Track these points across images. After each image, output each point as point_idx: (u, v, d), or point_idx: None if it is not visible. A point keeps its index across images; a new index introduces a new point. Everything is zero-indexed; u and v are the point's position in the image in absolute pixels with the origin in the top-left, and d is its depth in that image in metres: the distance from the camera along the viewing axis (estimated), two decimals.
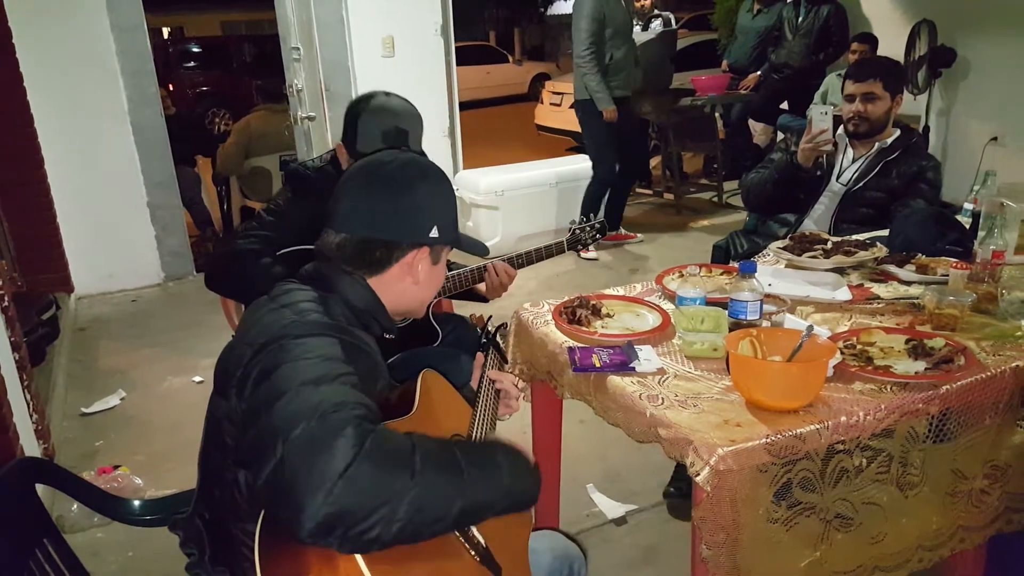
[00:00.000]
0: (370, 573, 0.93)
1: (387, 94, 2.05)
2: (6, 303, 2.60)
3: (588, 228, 2.22)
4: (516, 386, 1.55)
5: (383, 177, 1.24)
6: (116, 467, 2.59)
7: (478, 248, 1.50)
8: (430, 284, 1.29)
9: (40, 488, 1.34)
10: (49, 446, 2.68)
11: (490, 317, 1.68)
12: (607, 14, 4.40)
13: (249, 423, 0.99)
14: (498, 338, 1.67)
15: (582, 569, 1.47)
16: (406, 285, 1.25)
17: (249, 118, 5.25)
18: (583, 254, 4.76)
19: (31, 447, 2.43)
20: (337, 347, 1.05)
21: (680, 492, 2.35)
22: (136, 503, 1.48)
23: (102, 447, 2.91)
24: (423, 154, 2.01)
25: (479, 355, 1.58)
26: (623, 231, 5.14)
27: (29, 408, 2.53)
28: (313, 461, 0.88)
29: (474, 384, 1.55)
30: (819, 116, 2.59)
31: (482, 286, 2.16)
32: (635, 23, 6.71)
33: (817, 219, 2.73)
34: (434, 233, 1.24)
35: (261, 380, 1.01)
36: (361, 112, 1.98)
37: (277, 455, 0.90)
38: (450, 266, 2.16)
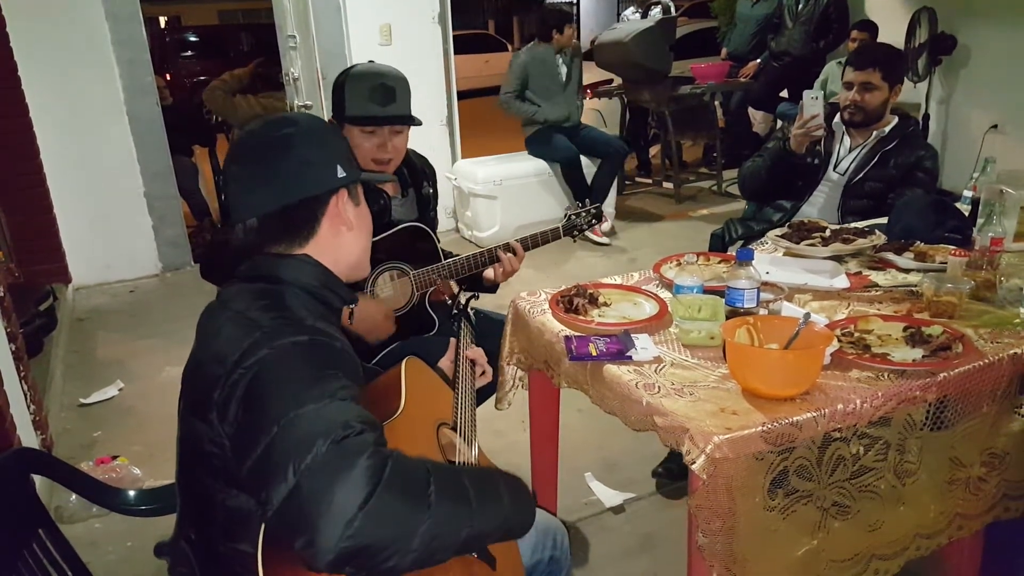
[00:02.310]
0: None
1: (371, 61, 2.04)
2: (3, 294, 2.60)
3: (584, 214, 2.20)
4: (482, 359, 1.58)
5: (257, 146, 1.17)
6: (115, 457, 2.60)
7: (381, 177, 1.48)
8: (364, 226, 1.24)
9: (38, 479, 1.34)
10: (47, 437, 2.68)
11: (460, 290, 1.68)
12: (530, 74, 4.98)
13: (245, 449, 0.95)
14: (468, 310, 1.67)
15: (564, 540, 1.48)
16: (342, 236, 1.20)
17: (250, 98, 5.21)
18: (596, 237, 4.85)
19: (29, 438, 2.43)
20: (317, 355, 1.01)
21: (671, 473, 2.35)
22: (132, 493, 1.48)
23: (100, 438, 2.91)
24: (411, 118, 1.98)
25: (452, 340, 1.58)
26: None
27: (27, 399, 2.53)
28: (331, 491, 0.86)
29: (443, 365, 1.55)
30: (810, 101, 2.57)
31: (491, 272, 2.14)
32: (634, 12, 6.68)
33: (821, 210, 2.72)
34: (340, 173, 1.19)
35: (250, 402, 0.97)
36: (347, 78, 1.97)
37: (290, 482, 0.88)
38: (446, 255, 2.15)
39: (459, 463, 1.32)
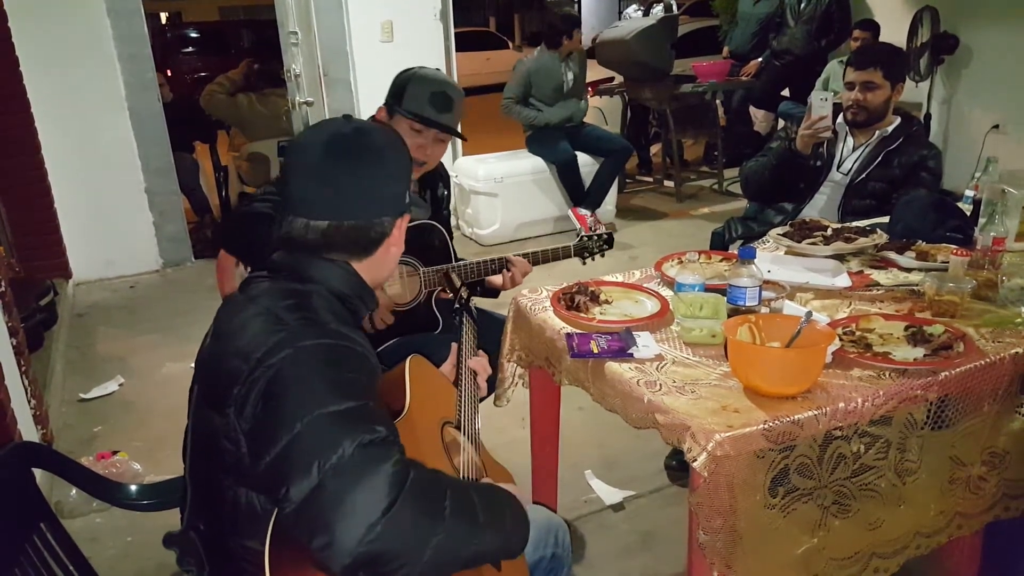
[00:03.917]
0: None
1: (437, 69, 2.10)
2: (3, 288, 2.59)
3: (596, 238, 2.24)
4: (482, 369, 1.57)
5: (351, 151, 1.14)
6: (115, 452, 2.60)
7: (419, 204, 1.50)
8: (402, 243, 1.25)
9: (39, 473, 1.34)
10: (48, 432, 2.68)
11: (462, 285, 1.68)
12: (534, 81, 4.98)
13: (263, 445, 0.95)
14: (470, 304, 1.67)
15: (566, 536, 1.49)
16: (390, 254, 1.21)
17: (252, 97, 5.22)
18: (578, 222, 4.80)
19: (29, 433, 2.43)
20: (340, 358, 1.02)
21: (684, 465, 2.34)
22: (132, 488, 1.48)
23: (101, 433, 2.91)
24: (459, 132, 2.04)
25: (453, 345, 1.58)
26: (587, 216, 5.01)
27: (27, 394, 2.53)
28: (354, 493, 0.87)
29: (445, 369, 1.56)
30: (819, 103, 2.57)
31: (498, 279, 2.16)
32: (636, 10, 6.67)
33: (822, 210, 2.72)
34: (407, 199, 1.21)
35: (270, 399, 0.97)
36: (413, 76, 2.02)
37: (313, 480, 0.88)
38: (456, 258, 2.16)
39: (464, 461, 1.32)
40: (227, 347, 1.06)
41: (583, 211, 5.04)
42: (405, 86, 2.00)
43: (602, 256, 2.26)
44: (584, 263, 2.24)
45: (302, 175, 1.15)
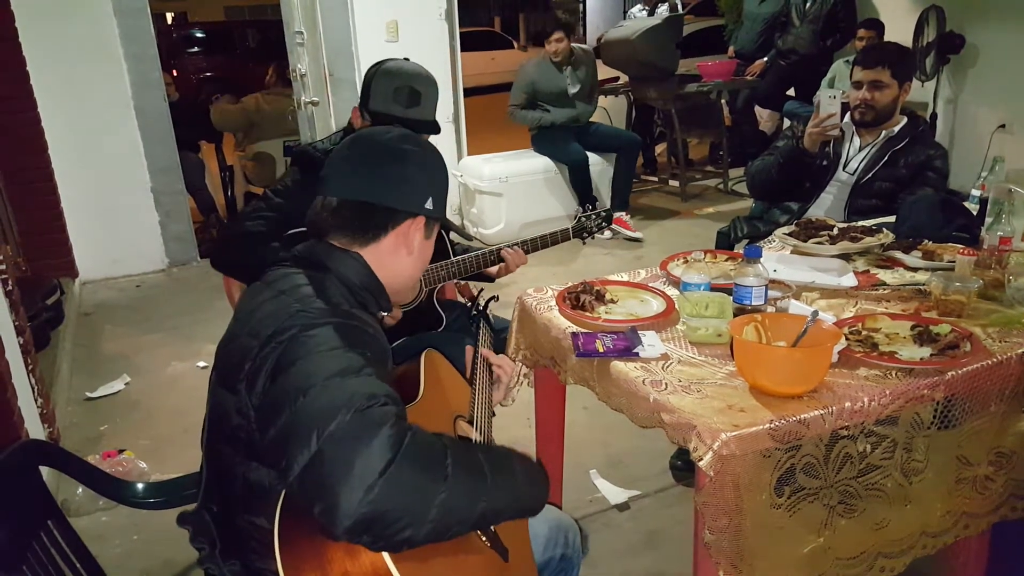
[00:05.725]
0: (392, 562, 0.93)
1: (405, 59, 2.05)
2: (10, 287, 2.60)
3: (594, 216, 2.21)
4: (510, 373, 1.55)
5: (380, 146, 1.24)
6: (121, 451, 2.60)
7: (457, 228, 1.47)
8: (422, 257, 1.28)
9: (45, 472, 1.35)
10: (54, 430, 2.69)
11: (480, 290, 1.68)
12: (537, 87, 5.05)
13: (269, 418, 0.98)
14: (488, 311, 1.67)
15: (576, 537, 1.49)
16: (400, 256, 1.24)
17: (259, 96, 5.26)
18: (628, 231, 4.88)
19: (36, 431, 2.44)
20: (348, 335, 1.04)
21: (690, 465, 2.34)
22: (139, 486, 1.49)
23: (107, 431, 2.92)
24: (432, 124, 2.03)
25: (468, 348, 1.57)
26: (625, 216, 5.06)
27: (34, 392, 2.54)
28: (352, 457, 0.88)
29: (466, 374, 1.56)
30: (827, 100, 2.56)
31: (494, 269, 2.17)
32: (641, 10, 6.67)
33: (828, 209, 2.72)
34: (429, 205, 1.24)
35: (277, 374, 0.99)
36: (377, 72, 1.99)
37: (312, 449, 0.90)
38: (454, 249, 2.16)
39: None
40: (241, 328, 1.10)
41: (617, 215, 4.98)
42: (370, 84, 1.97)
43: (601, 233, 2.23)
44: (584, 243, 2.22)
45: (336, 159, 1.24)
